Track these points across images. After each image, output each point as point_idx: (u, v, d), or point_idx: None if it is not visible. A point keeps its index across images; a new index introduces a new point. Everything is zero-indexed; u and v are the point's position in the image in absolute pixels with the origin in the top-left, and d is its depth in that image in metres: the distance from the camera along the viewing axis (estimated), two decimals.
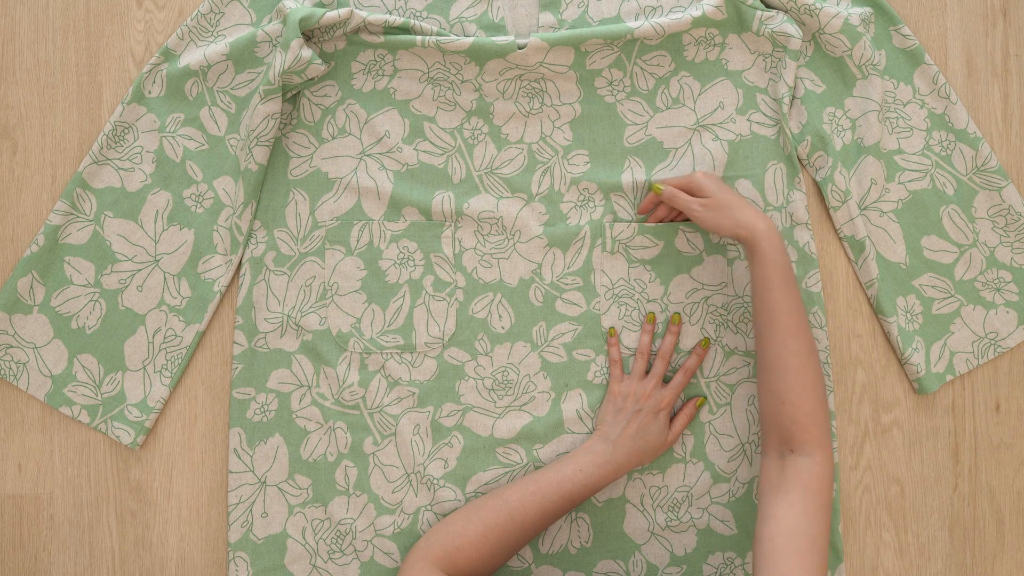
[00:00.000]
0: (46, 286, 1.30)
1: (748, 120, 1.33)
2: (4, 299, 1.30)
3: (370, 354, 1.32)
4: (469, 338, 1.33)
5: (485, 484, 1.31)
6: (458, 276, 1.33)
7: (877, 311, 1.33)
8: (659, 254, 1.33)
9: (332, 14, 1.26)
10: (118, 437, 1.30)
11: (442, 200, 1.32)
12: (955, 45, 1.37)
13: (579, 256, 1.33)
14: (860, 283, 1.34)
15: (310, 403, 1.32)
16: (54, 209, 1.30)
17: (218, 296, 1.31)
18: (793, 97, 1.33)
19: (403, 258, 1.32)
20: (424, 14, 1.32)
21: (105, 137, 1.31)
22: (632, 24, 1.29)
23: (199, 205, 1.32)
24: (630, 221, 1.33)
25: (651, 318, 1.31)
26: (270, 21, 1.32)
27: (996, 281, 1.33)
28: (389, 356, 1.32)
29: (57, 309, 1.31)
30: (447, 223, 1.32)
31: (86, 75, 1.35)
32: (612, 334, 1.31)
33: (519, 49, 1.29)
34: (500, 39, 1.28)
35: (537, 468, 1.31)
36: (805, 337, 1.18)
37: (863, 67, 1.32)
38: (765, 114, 1.33)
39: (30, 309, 1.30)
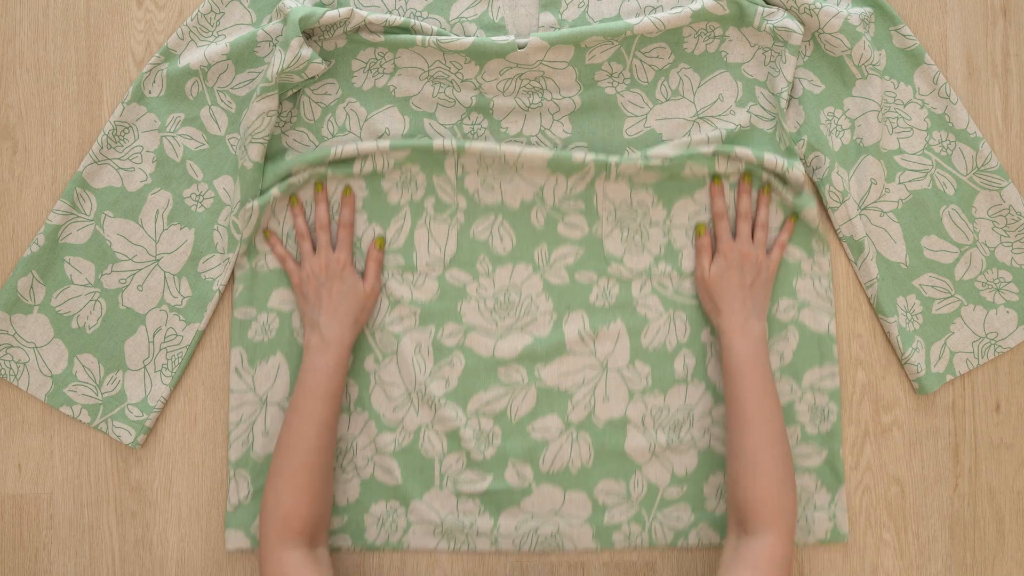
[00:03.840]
0: (46, 286, 1.31)
1: (748, 112, 1.33)
2: (4, 299, 1.30)
3: None
4: (470, 259, 1.34)
5: (486, 403, 1.32)
6: (459, 198, 1.33)
7: (877, 311, 1.33)
8: (663, 179, 1.33)
9: (332, 13, 1.26)
10: (119, 437, 1.30)
11: (443, 144, 1.31)
12: (955, 45, 1.37)
13: (582, 181, 1.33)
14: (860, 283, 1.34)
15: None
16: (54, 209, 1.30)
17: (217, 295, 1.31)
18: (791, 96, 1.33)
19: (405, 180, 1.32)
20: (424, 14, 1.32)
21: (105, 137, 1.31)
22: (632, 21, 1.29)
23: (199, 205, 1.32)
24: (635, 163, 1.32)
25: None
26: (270, 21, 1.32)
27: (996, 281, 1.33)
28: (390, 276, 1.33)
29: (57, 309, 1.31)
30: (450, 154, 1.31)
31: (86, 75, 1.35)
32: (270, 236, 1.33)
33: (519, 49, 1.29)
34: (500, 39, 1.28)
35: (539, 388, 1.33)
36: (766, 426, 1.20)
37: (862, 67, 1.32)
38: (764, 108, 1.33)
39: (30, 309, 1.30)
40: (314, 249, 1.31)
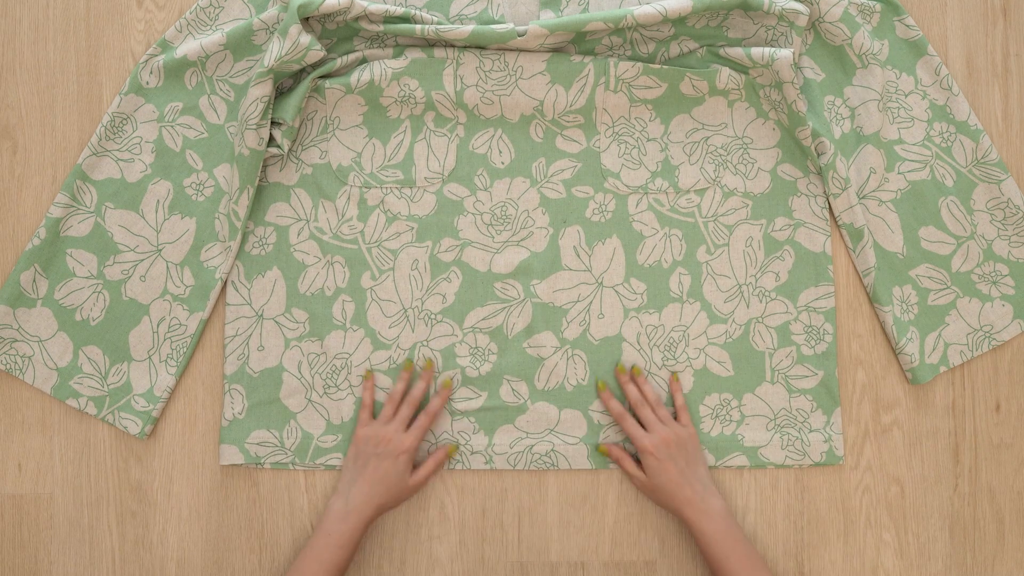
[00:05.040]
0: (49, 279, 1.31)
1: (748, 79, 1.34)
2: (7, 293, 1.30)
3: (369, 188, 1.33)
4: (469, 173, 1.34)
5: (482, 319, 1.33)
6: (459, 113, 1.34)
7: (873, 300, 1.33)
8: (662, 95, 1.34)
9: (332, 1, 1.25)
10: (126, 428, 1.30)
11: (444, 47, 1.32)
12: (955, 45, 1.38)
13: (582, 94, 1.33)
14: (861, 283, 1.34)
15: (308, 237, 1.33)
16: (55, 202, 1.30)
17: (219, 283, 1.31)
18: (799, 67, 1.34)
19: (404, 96, 1.33)
20: (424, 12, 1.32)
21: (103, 128, 1.32)
22: (633, 8, 1.28)
23: (200, 193, 1.32)
24: (634, 60, 1.32)
25: (408, 364, 1.32)
26: (269, 8, 1.33)
27: (992, 274, 1.34)
28: (388, 191, 1.34)
29: (60, 302, 1.31)
30: (448, 61, 1.32)
31: (86, 75, 1.35)
32: (368, 376, 1.32)
33: (519, 36, 1.29)
34: (499, 27, 1.28)
35: (534, 304, 1.33)
36: None
37: (863, 56, 1.32)
38: (764, 85, 1.33)
39: (33, 303, 1.31)
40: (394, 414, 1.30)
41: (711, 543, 1.22)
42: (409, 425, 1.29)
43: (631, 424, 1.28)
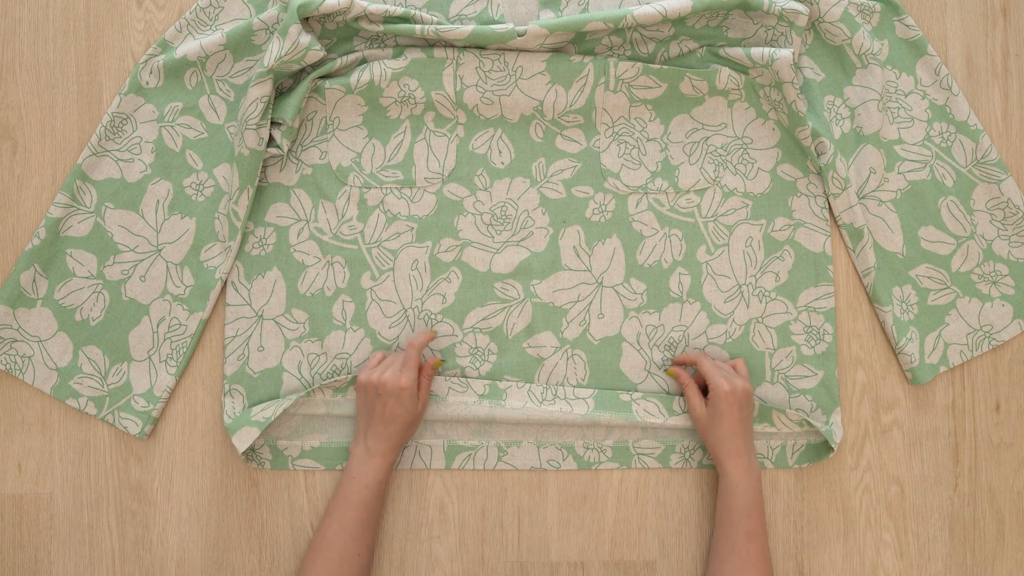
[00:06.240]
0: (48, 279, 1.31)
1: (748, 78, 1.34)
2: (7, 293, 1.30)
3: (369, 189, 1.33)
4: (468, 173, 1.34)
5: (483, 319, 1.33)
6: (459, 113, 1.34)
7: (873, 300, 1.33)
8: (662, 95, 1.34)
9: (332, 1, 1.26)
10: (125, 428, 1.30)
11: (444, 47, 1.32)
12: (955, 45, 1.38)
13: (581, 94, 1.33)
14: (861, 283, 1.34)
15: (308, 237, 1.33)
16: (55, 202, 1.30)
17: (219, 284, 1.31)
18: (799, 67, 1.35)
19: (404, 96, 1.33)
20: (424, 12, 1.32)
21: (103, 128, 1.32)
22: (633, 8, 1.28)
23: (200, 193, 1.32)
24: (634, 60, 1.32)
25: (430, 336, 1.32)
26: (269, 7, 1.33)
27: (992, 274, 1.34)
28: (388, 191, 1.34)
29: (60, 302, 1.31)
30: (448, 61, 1.32)
31: (86, 75, 1.35)
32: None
33: (519, 36, 1.29)
34: (499, 27, 1.28)
35: (534, 304, 1.33)
36: (757, 571, 1.21)
37: (863, 56, 1.32)
38: (764, 85, 1.33)
39: (33, 303, 1.31)
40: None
41: (737, 497, 1.22)
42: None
43: (711, 365, 1.27)
